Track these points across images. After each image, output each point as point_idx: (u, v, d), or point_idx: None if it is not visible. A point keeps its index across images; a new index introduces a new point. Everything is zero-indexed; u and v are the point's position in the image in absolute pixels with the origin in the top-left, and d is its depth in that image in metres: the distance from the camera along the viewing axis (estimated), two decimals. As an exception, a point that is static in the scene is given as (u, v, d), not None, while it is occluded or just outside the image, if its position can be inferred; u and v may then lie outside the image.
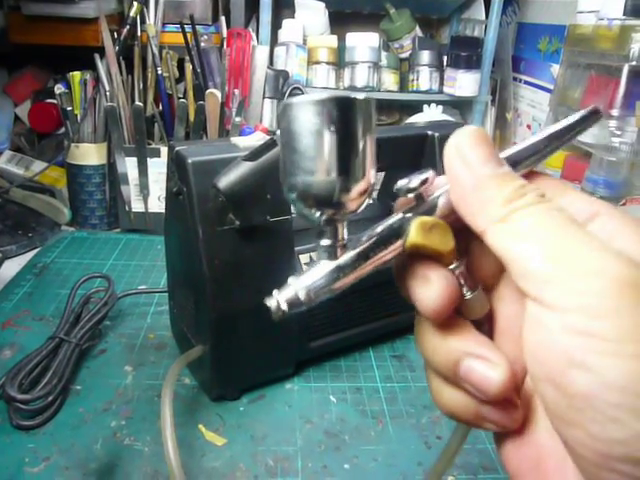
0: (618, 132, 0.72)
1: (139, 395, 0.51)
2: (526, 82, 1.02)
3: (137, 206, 0.84)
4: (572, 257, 0.19)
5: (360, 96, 0.22)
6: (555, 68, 0.90)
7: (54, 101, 0.95)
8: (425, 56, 0.98)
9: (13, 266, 0.72)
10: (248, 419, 0.49)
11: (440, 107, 0.93)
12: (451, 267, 0.24)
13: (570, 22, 0.84)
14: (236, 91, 0.78)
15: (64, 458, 0.43)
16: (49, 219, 0.85)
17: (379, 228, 0.24)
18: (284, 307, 0.23)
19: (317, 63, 0.97)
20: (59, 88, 0.80)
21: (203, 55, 0.79)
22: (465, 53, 0.94)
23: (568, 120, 0.25)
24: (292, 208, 0.23)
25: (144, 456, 0.44)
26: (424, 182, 0.23)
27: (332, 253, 0.24)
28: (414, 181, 0.23)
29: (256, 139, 0.49)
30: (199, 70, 0.79)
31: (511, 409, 0.22)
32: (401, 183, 0.24)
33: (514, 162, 0.24)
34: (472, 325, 0.24)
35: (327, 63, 0.97)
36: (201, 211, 0.45)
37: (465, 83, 0.96)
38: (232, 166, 0.43)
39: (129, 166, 0.81)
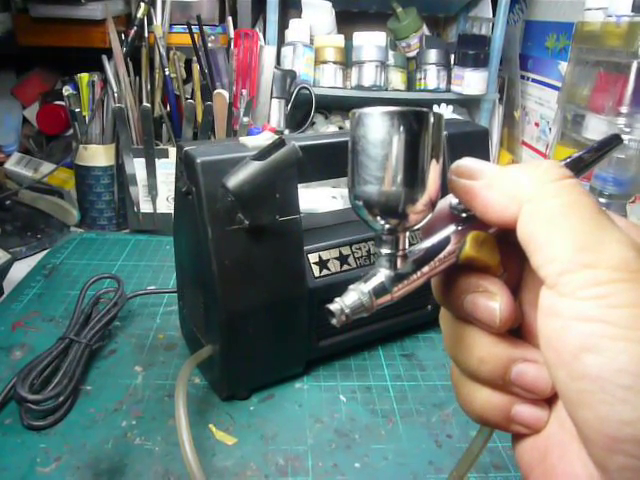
0: (627, 129, 0.72)
1: (149, 395, 0.51)
2: (534, 80, 1.01)
3: (145, 207, 0.84)
4: (596, 247, 0.20)
5: (433, 111, 0.23)
6: (563, 65, 0.90)
7: (62, 103, 0.95)
8: (432, 55, 0.98)
9: (23, 267, 0.73)
10: (258, 418, 0.49)
11: (450, 107, 0.93)
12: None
13: (578, 19, 0.83)
14: (244, 91, 0.78)
15: (75, 458, 0.44)
16: (58, 220, 0.86)
17: (434, 240, 0.25)
18: (347, 312, 0.24)
19: (324, 63, 0.97)
20: (67, 90, 0.80)
21: (210, 55, 0.79)
22: (473, 51, 0.94)
23: (592, 145, 0.27)
24: (358, 215, 0.24)
25: (155, 455, 0.44)
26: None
27: (392, 262, 0.24)
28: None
29: (264, 138, 0.49)
30: (206, 71, 0.79)
31: (543, 410, 0.24)
32: (456, 202, 0.25)
33: None
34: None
35: (334, 62, 0.97)
36: (210, 211, 0.45)
37: (473, 81, 0.95)
38: (241, 166, 0.43)
39: (137, 167, 0.81)
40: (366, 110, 0.23)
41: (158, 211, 0.84)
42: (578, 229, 0.20)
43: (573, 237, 0.20)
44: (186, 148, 0.46)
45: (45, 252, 0.78)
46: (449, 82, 1.00)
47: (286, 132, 0.85)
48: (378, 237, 0.25)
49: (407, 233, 0.24)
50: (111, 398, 0.50)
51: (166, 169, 0.81)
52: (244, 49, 0.77)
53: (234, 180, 0.42)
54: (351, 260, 0.54)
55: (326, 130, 1.00)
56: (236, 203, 0.44)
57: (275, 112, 0.84)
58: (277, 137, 0.45)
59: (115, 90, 0.79)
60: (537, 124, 1.00)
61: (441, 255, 0.25)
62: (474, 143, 0.61)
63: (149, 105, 0.79)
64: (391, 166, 0.22)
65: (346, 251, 0.54)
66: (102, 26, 0.85)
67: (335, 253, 0.53)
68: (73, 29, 0.87)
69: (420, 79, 1.00)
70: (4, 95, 1.08)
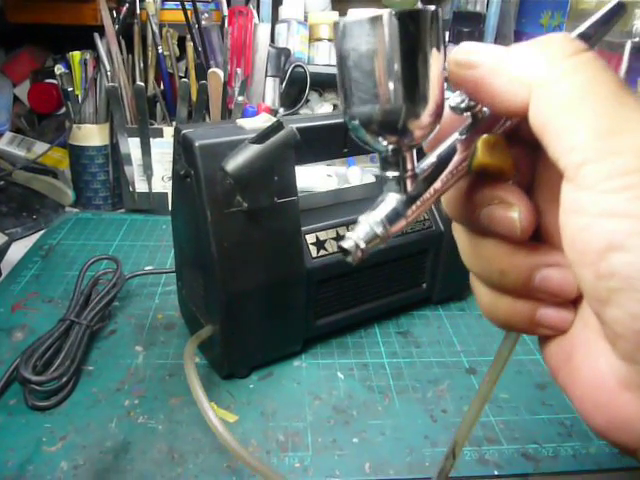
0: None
1: (151, 374, 0.52)
2: (528, 57, 1.01)
3: (141, 186, 0.84)
4: (620, 130, 0.18)
5: (428, 7, 0.20)
6: (557, 43, 0.90)
7: (54, 81, 0.95)
8: None
9: (19, 248, 0.73)
10: (258, 396, 0.50)
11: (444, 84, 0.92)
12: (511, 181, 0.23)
13: (573, -4, 0.83)
14: (238, 70, 0.78)
15: (80, 437, 0.45)
16: (53, 201, 0.86)
17: (441, 152, 0.23)
18: (363, 246, 0.22)
19: (319, 40, 0.97)
20: (59, 69, 0.80)
21: (204, 33, 0.78)
22: (467, 29, 0.94)
23: (594, 17, 0.24)
24: (356, 138, 0.22)
25: (158, 434, 0.45)
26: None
27: (402, 184, 0.22)
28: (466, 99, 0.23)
29: (262, 121, 0.49)
30: (200, 49, 0.78)
31: (568, 311, 0.23)
32: (456, 101, 0.23)
33: None
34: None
35: (329, 40, 0.97)
36: (209, 194, 0.45)
37: (467, 59, 0.95)
38: (240, 149, 0.43)
39: (132, 146, 0.81)
40: (352, 18, 0.20)
41: (154, 190, 0.84)
42: (599, 111, 0.18)
43: (594, 121, 0.18)
44: (184, 131, 0.46)
45: (41, 233, 0.78)
46: (444, 60, 0.99)
47: (281, 110, 0.85)
48: (382, 159, 0.23)
49: (414, 151, 0.22)
50: (113, 378, 0.51)
51: (161, 148, 0.81)
52: (238, 27, 0.76)
53: (233, 163, 0.43)
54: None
55: (320, 108, 1.00)
56: (235, 186, 0.45)
57: (270, 91, 0.84)
58: (275, 120, 0.45)
59: (108, 69, 0.79)
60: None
61: (451, 167, 0.23)
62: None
63: (142, 84, 0.78)
64: (389, 79, 0.20)
65: (343, 231, 0.54)
66: (93, 3, 0.84)
67: (332, 233, 0.54)
68: (64, 6, 0.86)
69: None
70: (-6, 73, 1.06)
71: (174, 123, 0.82)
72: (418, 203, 0.23)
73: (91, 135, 0.82)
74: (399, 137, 0.21)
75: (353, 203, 0.60)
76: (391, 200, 0.22)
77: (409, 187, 0.22)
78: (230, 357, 0.51)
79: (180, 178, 0.48)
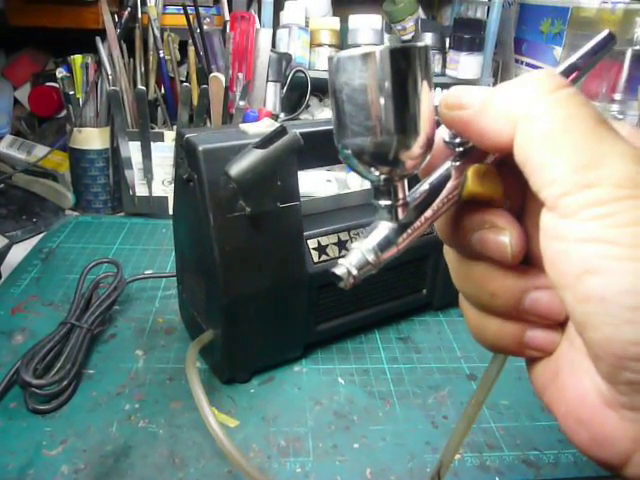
0: (620, 116, 0.73)
1: (151, 379, 0.52)
2: (528, 64, 1.01)
3: (141, 190, 0.84)
4: (597, 163, 0.19)
5: (419, 44, 0.21)
6: (557, 50, 0.90)
7: (54, 84, 0.95)
8: (428, 38, 0.98)
9: (19, 251, 0.73)
10: (259, 401, 0.50)
11: (445, 91, 0.93)
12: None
13: (573, 4, 0.84)
14: (240, 75, 0.78)
15: (81, 441, 0.44)
16: (53, 204, 0.86)
17: (433, 181, 0.24)
18: (354, 272, 0.22)
19: (319, 45, 0.97)
20: (60, 72, 0.80)
21: (206, 38, 0.78)
22: (468, 35, 0.94)
23: (585, 48, 0.25)
24: (348, 166, 0.23)
25: (159, 438, 0.45)
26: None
27: (393, 213, 0.23)
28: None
29: (265, 126, 0.49)
30: (202, 53, 0.78)
31: (555, 332, 0.24)
32: (449, 136, 0.24)
33: None
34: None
35: (329, 45, 0.97)
36: (212, 198, 0.45)
37: (468, 65, 0.95)
38: (243, 153, 0.43)
39: (132, 150, 0.81)
40: (346, 53, 0.20)
41: (154, 194, 0.84)
42: (578, 146, 0.19)
43: (572, 155, 0.19)
44: (187, 135, 0.47)
45: (41, 236, 0.78)
46: (444, 66, 1.00)
47: (281, 115, 0.86)
48: (375, 188, 0.23)
49: (405, 180, 0.23)
50: (113, 382, 0.51)
51: (162, 152, 0.81)
52: (240, 32, 0.76)
53: (237, 168, 0.43)
54: (349, 245, 0.54)
55: (321, 113, 1.00)
56: (238, 190, 0.45)
57: (271, 95, 0.84)
58: (279, 125, 0.45)
59: (109, 72, 0.79)
60: (530, 108, 1.00)
61: (442, 196, 0.24)
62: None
63: (144, 87, 0.78)
64: (380, 112, 0.20)
65: (344, 237, 0.54)
66: (95, 7, 0.84)
67: (334, 239, 0.54)
68: (66, 9, 0.86)
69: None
70: (-6, 76, 1.06)
71: (175, 127, 0.82)
72: (409, 231, 0.23)
73: (92, 138, 0.82)
74: (391, 167, 0.22)
75: (354, 208, 0.60)
76: (383, 228, 0.23)
77: (400, 215, 0.23)
78: (231, 362, 0.51)
79: (183, 182, 0.48)
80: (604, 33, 0.25)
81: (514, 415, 0.50)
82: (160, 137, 0.81)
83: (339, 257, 0.53)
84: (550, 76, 0.21)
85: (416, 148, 0.21)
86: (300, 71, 0.88)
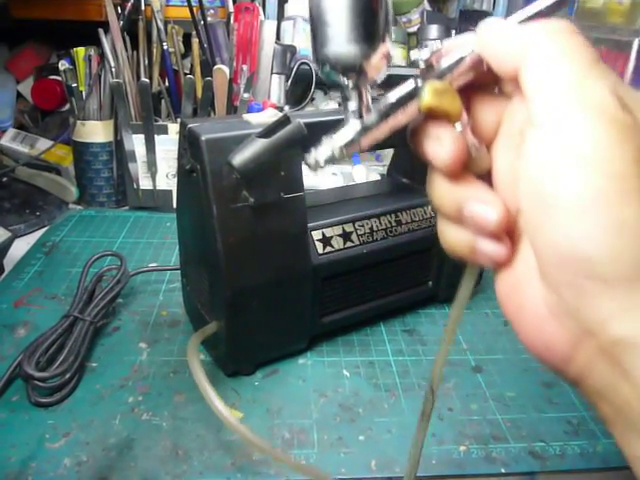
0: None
1: (155, 371, 0.51)
2: (534, 55, 1.00)
3: (145, 183, 0.83)
4: (581, 91, 0.22)
5: None
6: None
7: (57, 77, 0.94)
8: (433, 30, 0.97)
9: (22, 245, 0.73)
10: (263, 393, 0.50)
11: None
12: (459, 127, 0.27)
13: (580, -6, 0.83)
14: (244, 67, 0.77)
15: (84, 433, 0.44)
16: (56, 197, 0.85)
17: (397, 93, 0.27)
18: (322, 163, 0.27)
19: (323, 37, 0.96)
20: (63, 64, 0.79)
21: (210, 30, 0.78)
22: (474, 27, 0.93)
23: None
24: (324, 77, 0.27)
25: (163, 431, 0.45)
26: (435, 52, 0.27)
27: (359, 114, 0.27)
28: (426, 50, 0.27)
29: (268, 116, 0.49)
30: (206, 45, 0.78)
31: (502, 245, 0.26)
32: (417, 54, 0.30)
33: None
34: (475, 177, 0.27)
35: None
36: (215, 189, 0.45)
37: (473, 57, 0.94)
38: (246, 143, 0.43)
39: (136, 143, 0.81)
40: None
41: (158, 188, 0.83)
42: (571, 76, 0.23)
43: (564, 82, 0.23)
44: (190, 125, 0.46)
45: (44, 229, 0.78)
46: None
47: (286, 108, 0.85)
48: (344, 95, 0.27)
49: (368, 87, 0.27)
50: (117, 375, 0.51)
51: (166, 145, 0.81)
52: (244, 24, 0.76)
53: (239, 158, 0.42)
54: (354, 237, 0.54)
55: (326, 105, 1.00)
56: (241, 181, 0.44)
57: (275, 88, 0.84)
58: (282, 114, 0.44)
59: (112, 65, 0.78)
60: (536, 100, 0.99)
61: (403, 106, 0.27)
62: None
63: (147, 80, 0.78)
64: (344, 27, 0.25)
65: (349, 228, 0.54)
66: (98, -1, 0.84)
67: (338, 230, 0.53)
68: (69, 2, 0.86)
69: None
70: (-3, 69, 1.06)
71: (179, 120, 0.81)
72: (371, 133, 0.27)
73: (95, 132, 0.82)
74: (357, 75, 0.26)
75: (358, 200, 0.60)
76: (350, 128, 0.27)
77: (365, 118, 0.27)
78: (235, 354, 0.51)
79: (186, 173, 0.48)
80: None
81: (520, 407, 0.50)
82: (164, 130, 0.80)
83: (344, 249, 0.53)
84: (555, 21, 0.24)
85: (375, 59, 0.26)
86: (305, 63, 0.88)
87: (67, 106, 0.96)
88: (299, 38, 0.94)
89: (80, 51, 0.79)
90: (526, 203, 0.24)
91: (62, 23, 0.88)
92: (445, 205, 0.27)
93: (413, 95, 0.27)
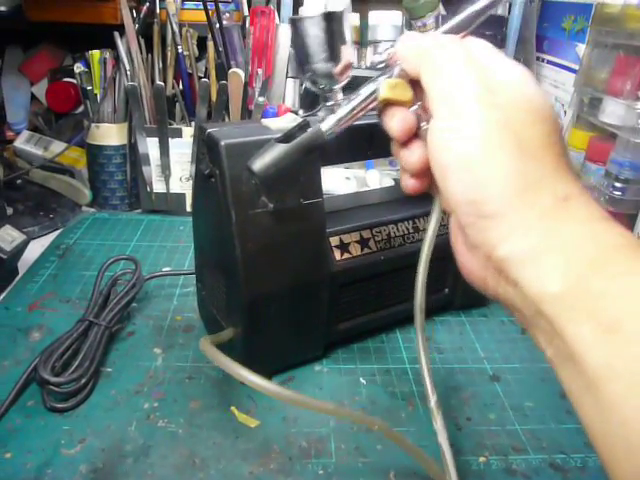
0: (647, 113, 0.71)
1: (170, 377, 0.51)
2: (549, 62, 0.99)
3: (158, 187, 0.83)
4: (460, 89, 0.31)
5: (336, 11, 0.39)
6: (580, 48, 0.88)
7: (72, 80, 0.95)
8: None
9: (36, 248, 0.73)
10: (279, 401, 0.49)
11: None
12: (412, 109, 0.36)
13: (597, 0, 0.82)
14: (259, 71, 0.77)
15: (99, 440, 0.44)
16: (70, 200, 0.85)
17: (362, 89, 0.37)
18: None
19: (338, 42, 0.96)
20: (79, 67, 0.79)
21: (225, 33, 0.78)
22: (490, 32, 0.92)
23: (471, 9, 0.37)
24: (312, 83, 0.40)
25: (179, 438, 0.45)
26: (389, 55, 0.37)
27: (333, 109, 0.38)
28: (383, 55, 0.37)
29: (287, 121, 0.48)
30: (221, 49, 0.78)
31: (419, 182, 0.37)
32: (374, 57, 0.38)
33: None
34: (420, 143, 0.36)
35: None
36: (234, 194, 0.44)
37: (489, 62, 0.94)
38: (266, 148, 0.42)
39: (150, 146, 0.81)
40: (300, 16, 0.38)
41: (171, 191, 0.83)
42: (452, 76, 0.32)
43: (447, 82, 0.32)
44: (209, 130, 0.46)
45: (58, 232, 0.78)
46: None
47: (300, 112, 0.85)
48: (322, 95, 0.41)
49: (338, 88, 0.41)
50: (132, 380, 0.50)
51: (179, 149, 0.81)
52: (260, 27, 0.76)
53: (259, 163, 0.41)
54: (372, 243, 0.53)
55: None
56: (260, 186, 0.44)
57: (290, 92, 0.83)
58: (302, 119, 0.44)
59: (127, 68, 0.78)
60: (552, 106, 0.98)
61: (367, 98, 0.37)
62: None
63: (162, 83, 0.78)
64: (320, 49, 0.38)
65: (367, 234, 0.53)
66: (113, 2, 0.84)
67: (356, 236, 0.53)
68: (84, 4, 0.85)
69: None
70: (12, 72, 1.06)
71: (193, 123, 0.81)
72: (344, 120, 0.37)
73: (109, 134, 0.82)
74: (330, 79, 0.40)
75: (375, 206, 0.59)
76: (327, 119, 0.37)
77: (337, 110, 0.38)
78: (251, 361, 0.50)
79: (204, 178, 0.47)
80: None
81: (539, 417, 0.49)
82: (178, 133, 0.80)
83: (362, 255, 0.53)
84: (441, 36, 0.35)
85: (338, 69, 0.39)
86: (319, 67, 0.87)
87: (81, 108, 0.96)
88: (314, 42, 0.94)
89: (95, 54, 0.79)
90: (435, 170, 0.32)
91: (77, 26, 0.88)
92: (400, 160, 0.37)
93: (374, 89, 0.36)
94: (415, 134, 0.36)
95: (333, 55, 0.38)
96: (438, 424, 0.40)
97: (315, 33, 0.37)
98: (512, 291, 0.29)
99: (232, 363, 0.40)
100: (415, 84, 0.35)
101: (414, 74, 0.34)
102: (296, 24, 0.37)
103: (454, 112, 0.31)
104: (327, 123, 0.37)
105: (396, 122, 0.35)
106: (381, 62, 0.37)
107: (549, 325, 0.27)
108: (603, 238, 0.27)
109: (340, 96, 0.39)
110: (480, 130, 0.30)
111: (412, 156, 0.36)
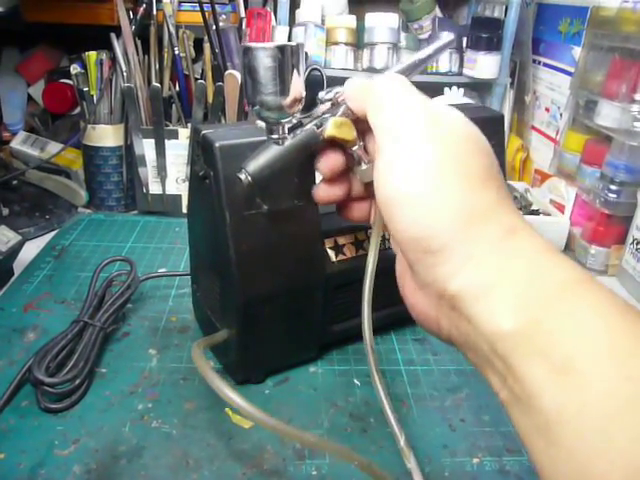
0: (641, 116, 0.71)
1: (165, 378, 0.51)
2: (545, 64, 1.00)
3: (154, 188, 0.83)
4: (404, 118, 0.31)
5: (291, 44, 0.36)
6: (576, 50, 0.88)
7: (68, 81, 0.94)
8: (445, 37, 0.96)
9: (31, 248, 0.73)
10: (274, 402, 0.49)
11: (462, 90, 0.92)
12: (354, 148, 0.37)
13: (593, 4, 0.82)
14: (255, 72, 0.77)
15: (93, 440, 0.44)
16: (66, 201, 0.85)
17: (309, 125, 0.38)
18: (250, 179, 0.38)
19: (335, 44, 0.96)
20: (75, 68, 0.79)
21: (222, 35, 0.78)
22: (486, 35, 0.93)
23: (431, 48, 0.41)
24: (258, 115, 0.38)
25: (173, 438, 0.45)
26: (336, 94, 0.37)
27: (279, 142, 0.38)
28: (330, 94, 0.38)
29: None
30: (217, 50, 0.78)
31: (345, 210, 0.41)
32: (321, 95, 0.38)
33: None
34: (344, 181, 0.39)
35: (346, 44, 0.96)
36: (228, 196, 0.44)
37: (485, 65, 0.94)
38: (260, 150, 0.42)
39: (146, 148, 0.81)
40: (252, 45, 0.35)
41: (167, 192, 0.83)
42: (393, 109, 0.32)
43: (388, 113, 0.33)
44: (204, 131, 0.46)
45: (54, 233, 0.78)
46: (461, 65, 0.99)
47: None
48: (268, 128, 0.38)
49: (285, 122, 0.38)
50: (126, 381, 0.50)
51: (176, 150, 0.81)
52: (256, 29, 0.76)
53: (254, 164, 0.42)
54: (366, 245, 0.53)
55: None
56: (255, 188, 0.44)
57: (286, 94, 0.83)
58: (296, 121, 0.44)
59: (124, 69, 0.78)
60: (548, 109, 0.99)
61: (313, 135, 0.38)
62: (489, 129, 0.60)
63: (158, 85, 0.78)
64: (270, 83, 0.36)
65: (361, 236, 0.53)
66: (110, 3, 0.84)
67: (350, 238, 0.53)
68: (81, 5, 0.86)
69: (432, 62, 0.99)
70: (8, 72, 1.06)
71: (189, 125, 0.81)
72: (290, 153, 0.38)
73: (105, 136, 0.82)
74: (278, 112, 0.37)
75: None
76: (273, 152, 0.38)
77: (282, 144, 0.38)
78: (245, 362, 0.50)
79: (198, 179, 0.47)
80: (450, 37, 0.43)
81: (534, 420, 0.49)
82: (174, 135, 0.80)
83: (356, 256, 0.53)
84: (387, 77, 0.35)
85: (287, 102, 0.36)
86: (316, 69, 0.87)
87: (77, 110, 0.96)
88: (310, 44, 0.94)
89: (92, 55, 0.79)
90: (380, 207, 0.32)
91: (74, 27, 0.88)
92: (321, 188, 0.40)
93: (319, 126, 0.38)
94: (341, 174, 0.39)
95: (284, 88, 0.36)
96: (412, 463, 0.40)
97: (268, 65, 0.35)
98: (466, 327, 0.28)
99: (217, 379, 0.40)
100: (359, 124, 0.37)
101: (360, 112, 0.35)
102: (248, 53, 0.35)
103: (398, 143, 0.31)
104: (271, 156, 0.39)
105: (331, 162, 0.38)
106: (328, 100, 0.38)
107: (502, 363, 0.26)
108: (553, 273, 0.27)
109: (286, 130, 0.38)
110: (425, 162, 0.29)
111: (333, 190, 0.39)
